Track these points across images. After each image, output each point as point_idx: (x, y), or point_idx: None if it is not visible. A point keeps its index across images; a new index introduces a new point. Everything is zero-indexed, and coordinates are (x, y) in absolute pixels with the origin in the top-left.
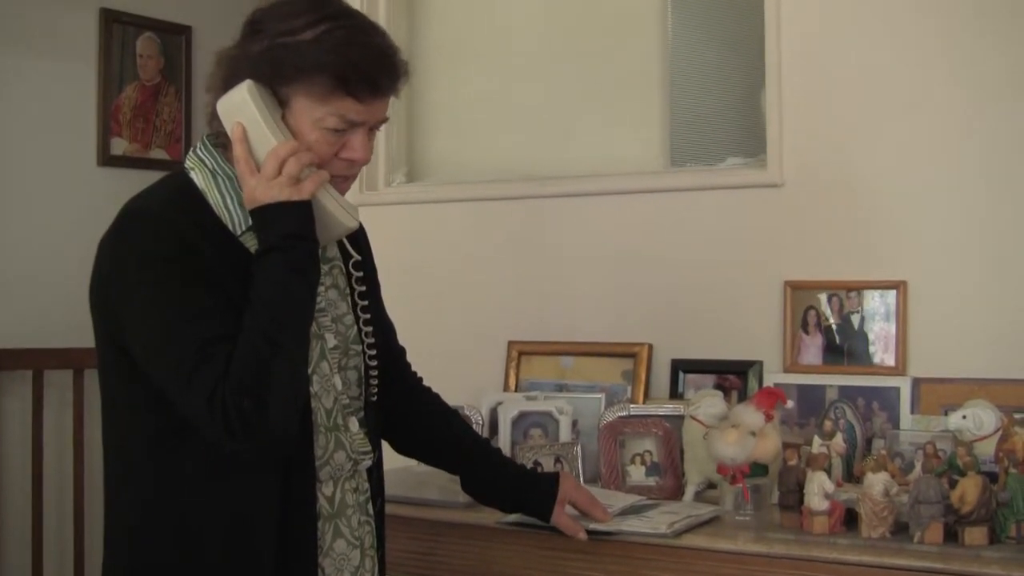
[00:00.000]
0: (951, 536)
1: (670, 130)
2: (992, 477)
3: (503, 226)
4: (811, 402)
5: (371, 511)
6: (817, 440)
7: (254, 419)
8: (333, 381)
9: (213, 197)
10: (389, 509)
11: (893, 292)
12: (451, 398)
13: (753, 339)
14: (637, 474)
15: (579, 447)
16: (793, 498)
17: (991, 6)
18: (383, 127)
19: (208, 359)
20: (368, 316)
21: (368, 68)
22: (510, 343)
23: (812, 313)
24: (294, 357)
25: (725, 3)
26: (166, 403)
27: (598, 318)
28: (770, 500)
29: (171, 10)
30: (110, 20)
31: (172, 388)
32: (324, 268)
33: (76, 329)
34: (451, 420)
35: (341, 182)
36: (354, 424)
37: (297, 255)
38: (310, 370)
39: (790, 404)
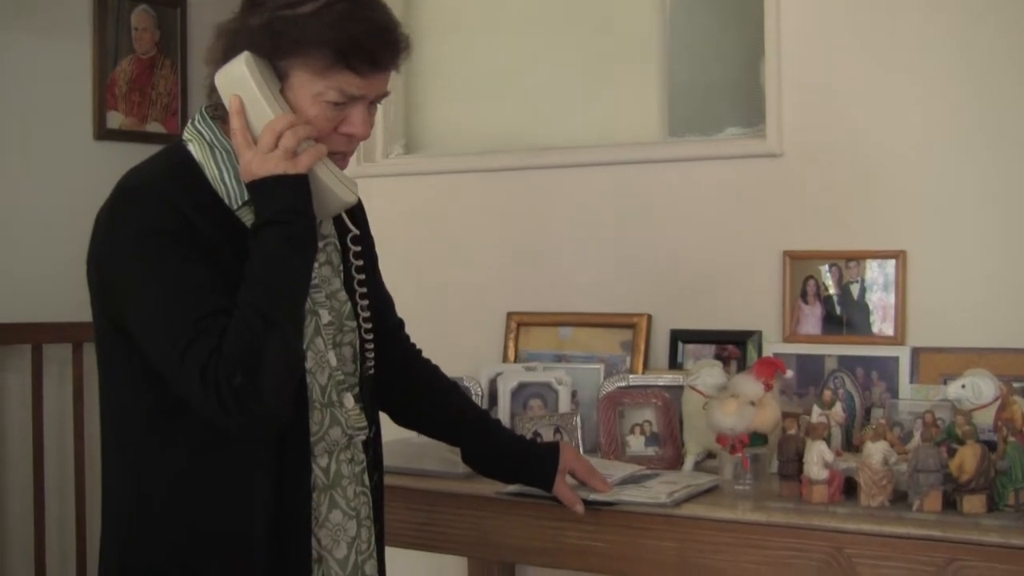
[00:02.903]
0: (950, 504)
1: (669, 100)
2: (991, 446)
3: (501, 197)
4: (810, 372)
5: (367, 482)
6: (816, 410)
7: (246, 395)
8: (328, 357)
9: (210, 170)
10: (388, 480)
11: (892, 262)
12: (450, 369)
13: (752, 309)
14: (636, 444)
15: (578, 417)
16: (792, 467)
17: None
18: (383, 101)
19: (202, 334)
20: (364, 291)
21: (368, 42)
22: (509, 314)
23: (811, 283)
24: (288, 333)
25: None
26: (162, 378)
27: (597, 289)
28: (769, 470)
29: None
30: None
31: (166, 363)
32: (319, 245)
33: (75, 303)
34: (450, 392)
35: (340, 158)
36: (349, 400)
37: (293, 229)
38: (304, 346)
39: (789, 374)
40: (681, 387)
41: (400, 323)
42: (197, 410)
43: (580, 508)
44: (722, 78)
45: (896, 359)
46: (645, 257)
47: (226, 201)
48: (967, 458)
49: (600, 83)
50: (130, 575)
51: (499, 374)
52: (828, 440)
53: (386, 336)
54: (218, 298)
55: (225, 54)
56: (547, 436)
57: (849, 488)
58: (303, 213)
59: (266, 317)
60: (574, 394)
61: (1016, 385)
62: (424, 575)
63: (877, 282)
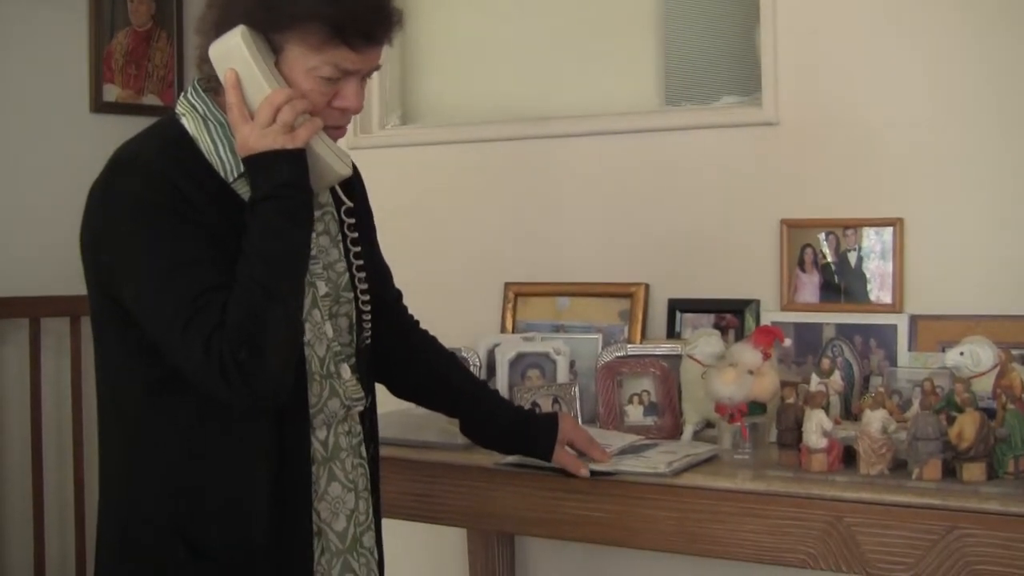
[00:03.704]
0: (949, 472)
1: (665, 69)
2: (990, 413)
3: (498, 167)
4: (808, 340)
5: (364, 454)
6: (815, 378)
7: (251, 368)
8: (325, 329)
9: (204, 143)
10: (388, 451)
11: (890, 229)
12: (448, 340)
13: (750, 278)
14: (635, 414)
15: (577, 388)
16: (791, 436)
17: None
18: (375, 73)
19: (203, 309)
20: (361, 262)
21: (364, 18)
22: (506, 284)
23: (809, 251)
24: (289, 306)
25: None
26: (159, 352)
27: (594, 258)
28: (768, 438)
29: None
30: None
31: (166, 338)
32: (316, 214)
33: (72, 277)
34: (449, 364)
35: (334, 131)
36: (346, 371)
37: (292, 203)
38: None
39: (787, 342)
40: (679, 356)
41: (398, 294)
42: (197, 385)
43: (585, 471)
44: (718, 46)
45: (894, 327)
46: (642, 226)
47: (221, 174)
48: (966, 426)
49: (596, 52)
50: (130, 546)
51: (497, 345)
52: (827, 409)
53: (384, 307)
54: (216, 273)
55: (217, 25)
56: (545, 406)
57: (848, 457)
58: (301, 187)
59: (268, 291)
60: (572, 364)
61: (1015, 352)
62: (423, 546)
63: (875, 250)
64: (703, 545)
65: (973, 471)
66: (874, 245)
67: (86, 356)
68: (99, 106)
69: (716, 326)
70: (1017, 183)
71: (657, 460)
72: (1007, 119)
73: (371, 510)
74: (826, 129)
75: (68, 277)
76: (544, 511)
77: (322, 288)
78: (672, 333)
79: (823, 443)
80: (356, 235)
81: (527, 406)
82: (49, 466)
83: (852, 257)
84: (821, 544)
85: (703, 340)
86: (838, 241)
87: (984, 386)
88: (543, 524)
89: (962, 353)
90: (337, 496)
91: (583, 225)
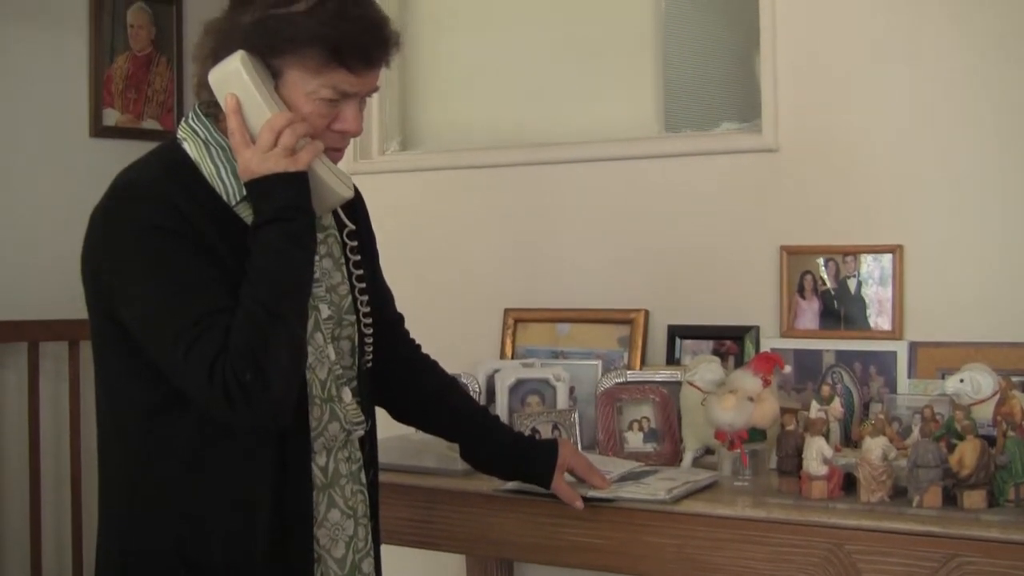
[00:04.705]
0: (950, 500)
1: (664, 95)
2: (990, 440)
3: (498, 193)
4: (808, 367)
5: (364, 480)
6: (815, 405)
7: (255, 391)
8: (327, 352)
9: (206, 167)
10: (386, 477)
11: (889, 256)
12: (448, 366)
13: (750, 304)
14: (635, 440)
15: (576, 414)
16: (791, 463)
17: None
18: (375, 99)
19: (206, 331)
20: (363, 285)
21: (362, 40)
22: (506, 310)
23: (808, 278)
24: (294, 328)
25: None
26: (160, 374)
27: (594, 284)
28: (768, 465)
29: None
30: None
31: (169, 361)
32: (319, 237)
33: (71, 301)
34: (449, 388)
35: (333, 153)
36: (347, 394)
37: (295, 226)
38: None
39: (787, 369)
40: (679, 383)
41: (400, 318)
42: (202, 406)
43: (580, 504)
44: (718, 73)
45: (894, 353)
46: (642, 252)
47: (224, 198)
48: (967, 453)
49: (596, 79)
50: (130, 568)
51: (497, 370)
52: (827, 435)
53: (386, 330)
54: (218, 295)
55: (214, 52)
56: (545, 432)
57: (848, 484)
58: (304, 210)
59: (271, 313)
60: (572, 390)
61: (1015, 379)
62: (422, 572)
63: (874, 276)
64: (703, 572)
65: (973, 498)
66: (873, 271)
67: (85, 380)
68: (99, 130)
69: (716, 352)
70: (1016, 210)
71: (657, 487)
72: (1006, 146)
73: (370, 536)
74: (825, 155)
75: (67, 301)
76: (543, 537)
77: (325, 311)
78: (672, 359)
79: (823, 470)
80: (359, 258)
81: (527, 432)
82: (47, 490)
83: (852, 283)
84: (821, 572)
85: (703, 366)
86: (838, 267)
87: (984, 413)
88: (542, 550)
89: (962, 380)
90: (336, 522)
91: (582, 251)
